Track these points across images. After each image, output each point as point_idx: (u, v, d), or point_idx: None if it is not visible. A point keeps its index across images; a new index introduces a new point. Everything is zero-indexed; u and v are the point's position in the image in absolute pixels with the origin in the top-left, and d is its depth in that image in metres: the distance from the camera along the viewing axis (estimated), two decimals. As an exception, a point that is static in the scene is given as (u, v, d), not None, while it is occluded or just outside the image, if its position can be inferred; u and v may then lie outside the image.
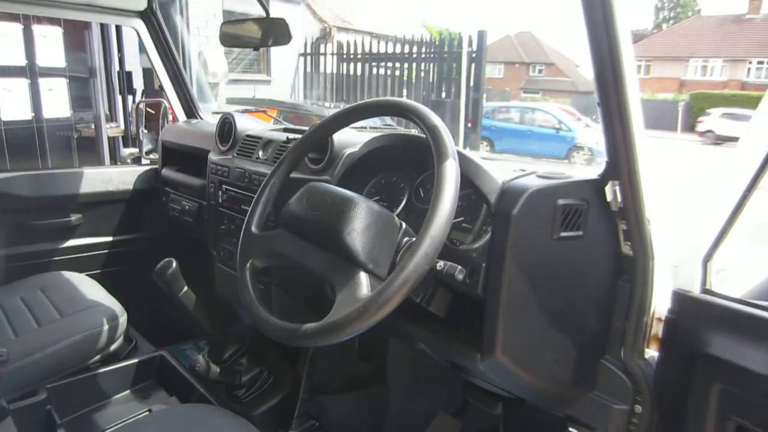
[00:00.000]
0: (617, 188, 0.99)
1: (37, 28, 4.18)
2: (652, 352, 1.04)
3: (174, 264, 1.42)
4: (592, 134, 11.25)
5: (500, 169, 1.06)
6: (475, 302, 1.08)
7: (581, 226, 1.01)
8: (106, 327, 1.58)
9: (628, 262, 1.02)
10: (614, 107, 0.92)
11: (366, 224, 0.94)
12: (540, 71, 28.02)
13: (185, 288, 1.47)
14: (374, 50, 9.65)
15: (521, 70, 27.75)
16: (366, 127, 1.68)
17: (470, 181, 1.04)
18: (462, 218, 1.14)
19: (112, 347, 1.63)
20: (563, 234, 0.99)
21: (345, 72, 9.99)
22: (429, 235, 0.86)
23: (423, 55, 9.12)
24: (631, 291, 1.02)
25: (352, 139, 1.40)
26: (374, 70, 9.68)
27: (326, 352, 1.61)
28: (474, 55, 8.47)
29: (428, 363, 1.80)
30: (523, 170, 1.09)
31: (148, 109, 2.78)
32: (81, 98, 4.80)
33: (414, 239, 0.97)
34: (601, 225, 1.03)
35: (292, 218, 1.05)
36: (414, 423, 1.78)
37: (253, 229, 1.13)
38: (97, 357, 1.58)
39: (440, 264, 0.94)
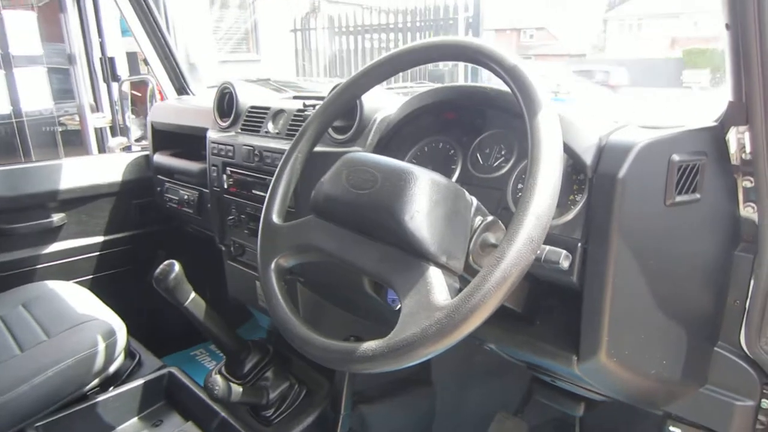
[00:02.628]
0: (745, 135, 0.80)
1: (8, 14, 3.86)
2: None
3: (176, 268, 1.17)
4: (591, 96, 11.16)
5: (587, 121, 0.83)
6: (556, 290, 0.88)
7: (698, 187, 0.81)
8: (102, 345, 1.34)
9: (748, 227, 0.86)
10: (751, 30, 0.72)
11: (433, 203, 0.70)
12: (531, 36, 27.51)
13: (192, 294, 1.22)
14: (366, 22, 9.28)
15: (512, 36, 27.23)
16: (392, 88, 1.42)
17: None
18: None
19: (112, 368, 1.38)
20: (678, 199, 0.79)
21: (337, 47, 9.63)
22: (532, 213, 0.62)
23: (418, 24, 8.75)
24: (756, 262, 0.84)
25: (384, 100, 1.15)
26: (367, 43, 9.32)
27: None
28: (470, 20, 8.11)
29: (479, 358, 1.58)
30: (616, 121, 0.87)
31: (133, 91, 2.50)
32: (63, 90, 4.50)
33: (489, 219, 0.74)
34: (720, 184, 0.84)
35: (328, 202, 0.80)
36: (467, 424, 1.57)
37: (275, 218, 0.89)
38: (95, 381, 1.33)
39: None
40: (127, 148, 2.41)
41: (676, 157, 0.77)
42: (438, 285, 0.66)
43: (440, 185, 0.72)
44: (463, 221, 0.72)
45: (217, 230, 1.48)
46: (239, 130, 1.41)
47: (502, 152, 0.98)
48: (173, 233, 1.97)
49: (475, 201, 0.75)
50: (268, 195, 0.91)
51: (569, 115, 0.81)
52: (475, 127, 1.04)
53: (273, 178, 0.93)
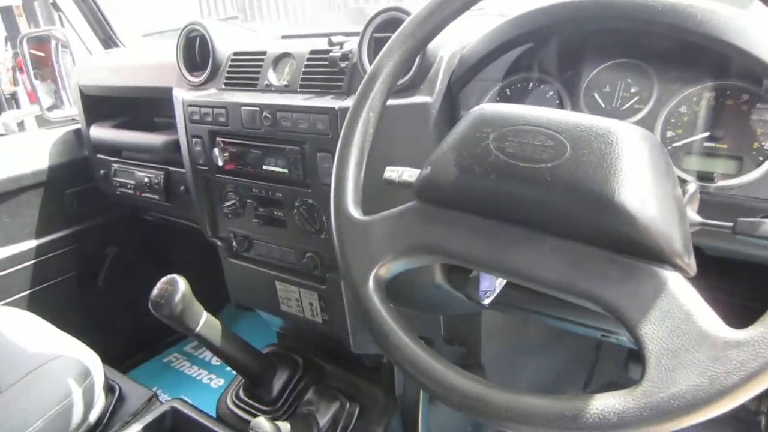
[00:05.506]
0: None
1: None
2: None
3: (182, 285, 0.86)
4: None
5: None
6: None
7: None
8: (78, 393, 1.01)
9: None
10: None
11: (658, 176, 0.47)
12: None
13: (204, 316, 0.91)
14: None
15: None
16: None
17: (740, 49, 0.58)
18: (708, 134, 0.68)
19: (93, 415, 1.06)
20: None
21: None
22: None
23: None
24: None
25: (448, 30, 0.85)
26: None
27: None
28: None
29: (531, 330, 1.38)
30: None
31: (32, 50, 2.00)
32: None
33: (692, 188, 0.54)
34: None
35: (459, 185, 0.53)
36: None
37: (353, 211, 0.61)
38: (75, 439, 1.01)
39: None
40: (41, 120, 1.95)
41: None
42: (699, 303, 0.43)
43: (656, 145, 0.49)
44: (679, 196, 0.49)
45: (208, 220, 1.13)
46: (222, 86, 1.06)
47: (631, 89, 0.73)
48: (122, 223, 1.58)
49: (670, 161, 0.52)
50: (334, 179, 0.62)
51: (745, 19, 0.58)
52: (579, 57, 0.78)
53: (336, 154, 0.63)
